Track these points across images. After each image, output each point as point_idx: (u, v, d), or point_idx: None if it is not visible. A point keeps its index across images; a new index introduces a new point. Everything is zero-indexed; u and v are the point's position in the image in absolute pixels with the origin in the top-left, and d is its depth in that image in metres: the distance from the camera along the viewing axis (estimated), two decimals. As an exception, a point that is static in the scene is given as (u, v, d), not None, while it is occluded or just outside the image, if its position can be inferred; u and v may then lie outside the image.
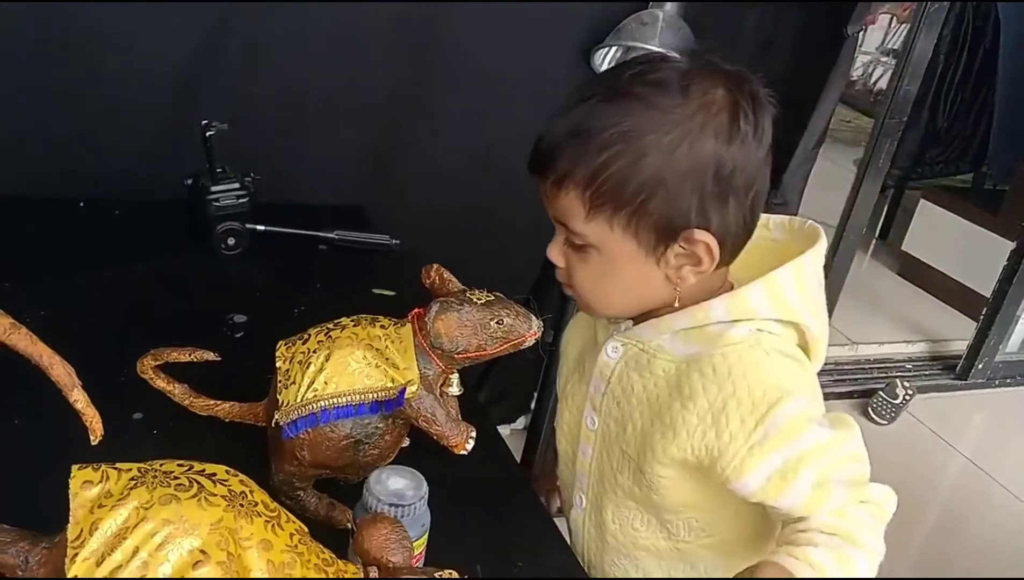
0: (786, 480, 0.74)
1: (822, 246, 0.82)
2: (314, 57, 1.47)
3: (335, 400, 0.78)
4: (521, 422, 2.11)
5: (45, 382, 0.69)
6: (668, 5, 1.60)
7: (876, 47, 5.15)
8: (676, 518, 0.86)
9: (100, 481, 0.55)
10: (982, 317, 2.87)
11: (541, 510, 0.97)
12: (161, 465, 0.58)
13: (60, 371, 0.62)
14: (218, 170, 1.31)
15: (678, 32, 1.58)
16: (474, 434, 0.83)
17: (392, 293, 1.29)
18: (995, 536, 2.31)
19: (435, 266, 0.86)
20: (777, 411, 0.74)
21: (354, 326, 0.82)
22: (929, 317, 3.30)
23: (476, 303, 0.81)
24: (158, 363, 0.90)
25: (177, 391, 0.91)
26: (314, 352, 0.80)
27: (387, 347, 0.80)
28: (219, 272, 1.31)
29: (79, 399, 0.63)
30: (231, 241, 1.32)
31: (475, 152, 1.70)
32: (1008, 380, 2.98)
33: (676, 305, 0.80)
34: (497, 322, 0.81)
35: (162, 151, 1.41)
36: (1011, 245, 2.81)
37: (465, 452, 0.82)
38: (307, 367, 0.79)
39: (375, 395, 0.79)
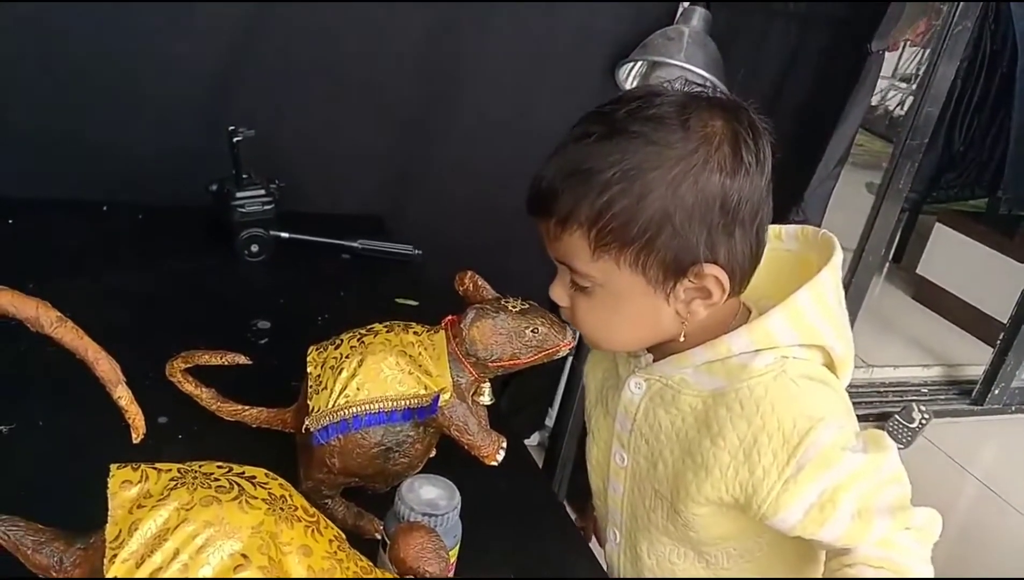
0: (824, 512, 0.73)
1: (838, 258, 0.80)
2: (341, 67, 1.47)
3: (367, 406, 0.77)
4: (535, 438, 2.09)
5: (76, 380, 0.68)
6: (694, 21, 1.59)
7: (891, 72, 5.16)
8: (714, 549, 0.84)
9: (139, 481, 0.54)
10: (999, 342, 2.84)
11: (569, 523, 0.96)
12: (201, 466, 0.56)
13: (106, 367, 0.61)
14: (243, 176, 1.31)
15: (704, 48, 1.58)
16: (505, 444, 0.82)
17: (415, 302, 1.28)
18: (1010, 561, 2.28)
19: (469, 273, 0.85)
20: (809, 442, 0.72)
21: (387, 332, 0.81)
22: (944, 341, 3.28)
23: (511, 311, 0.80)
24: (188, 366, 0.89)
25: (205, 395, 0.90)
26: (346, 357, 0.79)
27: (420, 354, 0.79)
28: (243, 279, 1.31)
29: (123, 396, 0.62)
30: (255, 248, 1.31)
31: (498, 165, 1.69)
32: (1024, 406, 2.96)
33: (682, 339, 0.79)
34: (532, 331, 0.80)
35: (187, 156, 1.41)
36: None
37: (496, 463, 0.81)
38: (339, 373, 0.78)
39: (407, 402, 0.78)
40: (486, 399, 0.84)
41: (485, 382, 0.83)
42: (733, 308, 0.81)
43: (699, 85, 0.76)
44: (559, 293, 0.80)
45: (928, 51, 4.10)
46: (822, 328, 0.78)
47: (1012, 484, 2.58)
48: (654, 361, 0.83)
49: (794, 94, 1.70)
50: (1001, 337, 2.84)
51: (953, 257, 3.40)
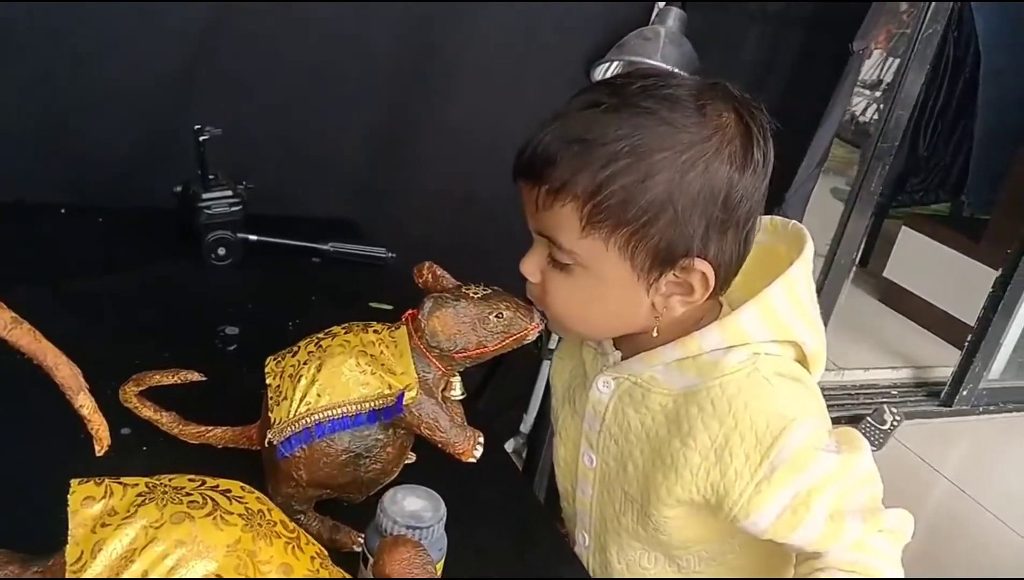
0: (797, 516, 0.71)
1: (810, 250, 0.78)
2: (311, 65, 1.44)
3: (329, 412, 0.73)
4: (510, 444, 2.06)
5: (33, 387, 0.64)
6: (670, 21, 1.58)
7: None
8: (685, 553, 0.82)
9: (103, 497, 0.50)
10: (967, 344, 2.88)
11: (555, 530, 0.92)
12: (171, 480, 0.52)
13: (66, 372, 0.56)
14: (210, 177, 1.26)
15: (680, 48, 1.57)
16: (482, 440, 0.76)
17: (390, 307, 1.24)
18: (980, 559, 2.30)
19: (427, 264, 0.80)
20: (782, 443, 0.70)
21: (345, 333, 0.76)
22: (912, 343, 3.31)
23: (472, 298, 0.75)
24: (141, 389, 0.84)
25: (165, 420, 0.84)
26: (305, 364, 0.74)
27: (382, 352, 0.75)
28: (209, 283, 1.26)
29: (85, 404, 0.57)
30: (222, 251, 1.27)
31: (473, 167, 1.66)
32: (991, 407, 2.99)
33: (655, 334, 0.76)
34: (496, 316, 0.75)
35: (151, 156, 1.36)
36: (994, 273, 2.83)
37: (473, 460, 0.76)
38: (298, 381, 0.74)
39: (372, 404, 0.73)
40: (457, 393, 0.80)
41: (454, 375, 0.78)
42: (706, 305, 0.78)
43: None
44: (531, 268, 0.77)
45: (892, 57, 4.16)
46: (794, 324, 0.76)
47: (981, 484, 2.60)
48: (623, 358, 0.80)
49: (771, 95, 1.69)
50: (968, 339, 2.87)
51: (920, 260, 3.44)
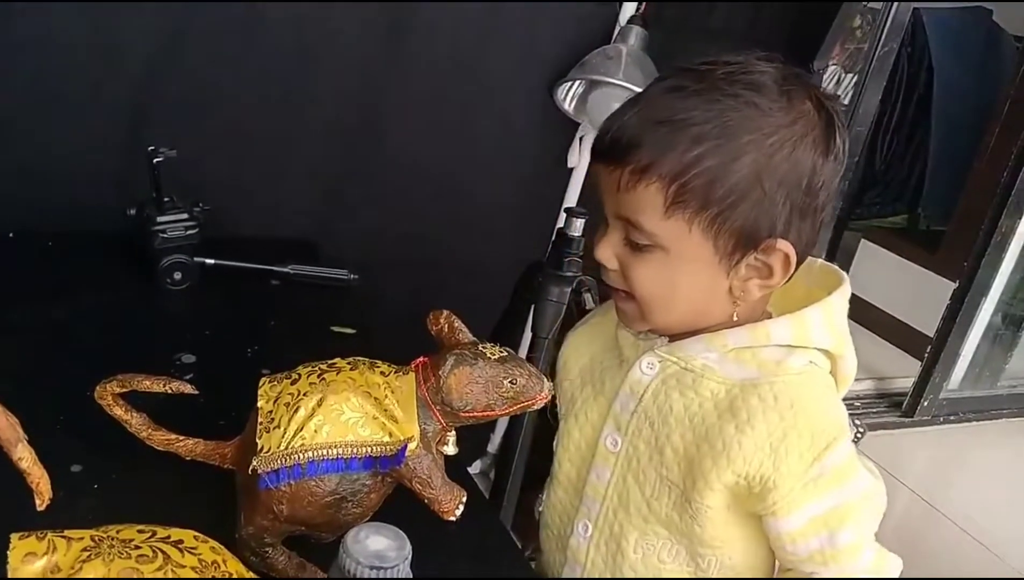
0: (828, 526, 0.73)
1: (847, 288, 0.79)
2: (269, 85, 1.41)
3: (325, 451, 0.70)
4: (477, 466, 2.03)
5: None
6: (632, 40, 1.58)
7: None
8: (710, 553, 0.81)
9: (46, 552, 0.47)
10: (926, 355, 2.91)
11: (522, 562, 0.91)
12: (119, 531, 0.49)
13: (2, 423, 0.53)
14: (165, 200, 1.23)
15: (642, 67, 1.56)
16: (465, 499, 0.76)
17: (352, 330, 1.22)
18: (942, 567, 2.33)
19: (445, 313, 0.79)
20: (832, 452, 0.72)
21: (351, 370, 0.74)
22: (873, 355, 3.35)
23: (490, 359, 0.74)
24: (123, 390, 0.80)
25: (135, 421, 0.81)
26: (304, 395, 0.72)
27: (386, 397, 0.73)
28: (165, 309, 1.23)
29: (24, 457, 0.54)
30: (178, 275, 1.23)
31: (435, 187, 1.64)
32: (952, 417, 3.03)
33: (735, 319, 0.77)
34: (511, 382, 0.73)
35: (102, 178, 1.32)
36: (951, 284, 2.87)
37: (453, 519, 0.75)
38: (295, 411, 0.71)
39: (369, 449, 0.71)
40: (450, 449, 0.78)
41: (451, 431, 0.77)
42: (765, 302, 0.80)
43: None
44: (607, 253, 0.77)
45: (848, 74, 4.24)
46: (846, 337, 0.78)
47: (942, 493, 2.64)
48: (670, 341, 0.81)
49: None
50: (928, 350, 2.91)
51: (879, 273, 3.49)
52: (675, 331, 0.81)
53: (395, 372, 0.75)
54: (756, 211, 0.70)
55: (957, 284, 2.82)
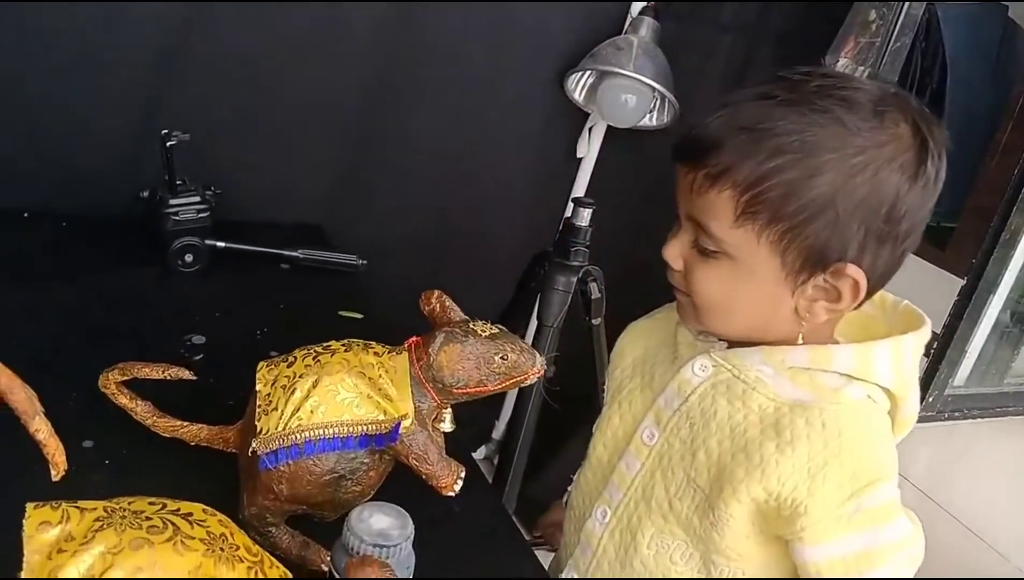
0: (859, 567, 0.71)
1: (926, 332, 0.76)
2: (282, 70, 1.41)
3: (321, 431, 0.72)
4: (482, 451, 2.05)
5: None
6: (643, 31, 1.58)
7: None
8: (725, 563, 0.79)
9: (60, 522, 0.48)
10: (933, 352, 2.90)
11: (524, 547, 0.92)
12: (130, 503, 0.51)
13: (20, 396, 0.55)
14: (177, 183, 1.24)
15: (653, 58, 1.57)
16: (463, 474, 0.77)
17: (360, 315, 1.23)
18: (946, 565, 2.32)
19: (436, 292, 0.80)
20: (873, 490, 0.70)
21: (345, 351, 0.76)
22: (879, 350, 3.35)
23: (481, 335, 0.75)
24: (125, 378, 0.82)
25: (140, 409, 0.83)
26: (300, 376, 0.73)
27: (380, 376, 0.74)
28: (176, 291, 1.24)
29: (40, 429, 0.56)
30: (189, 258, 1.25)
31: (445, 175, 1.65)
32: (956, 413, 3.02)
33: (800, 341, 0.74)
34: (501, 357, 0.75)
35: (117, 161, 1.33)
36: (959, 281, 2.86)
37: (453, 494, 0.76)
38: (292, 393, 0.73)
39: (365, 428, 0.73)
40: (447, 426, 0.79)
41: (446, 408, 0.78)
42: (832, 327, 0.78)
43: (893, 85, 0.73)
44: (674, 253, 0.76)
45: (860, 68, 4.22)
46: (910, 383, 0.75)
47: (946, 490, 2.63)
48: (728, 347, 0.80)
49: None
50: (934, 347, 2.90)
51: (887, 268, 3.48)
52: (733, 339, 0.80)
53: (389, 352, 0.77)
54: (828, 232, 0.68)
55: (965, 281, 2.81)
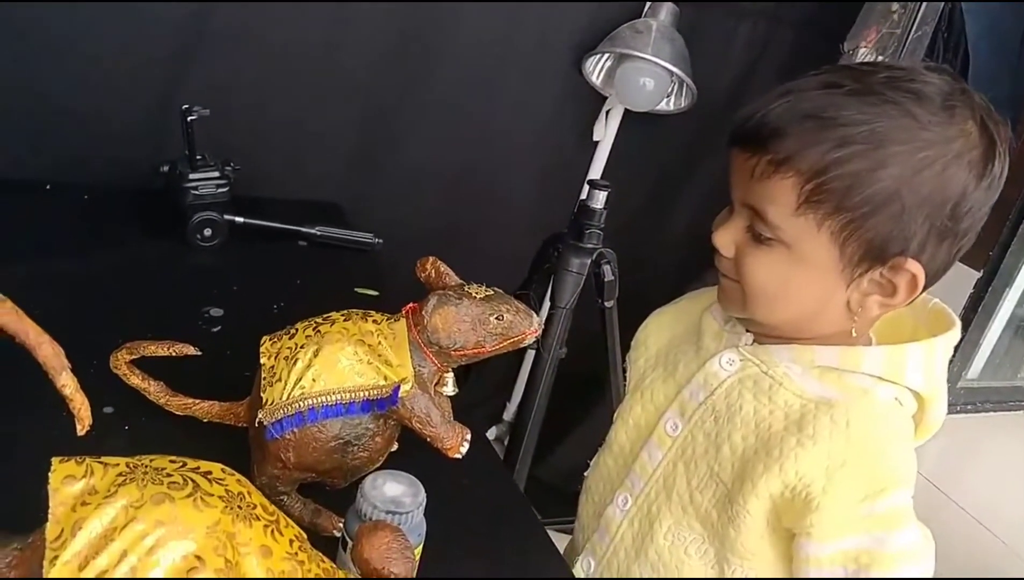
0: (858, 564, 0.71)
1: (956, 335, 0.75)
2: (302, 47, 1.42)
3: (324, 398, 0.74)
4: (492, 432, 2.06)
5: (11, 366, 0.63)
6: (662, 15, 1.58)
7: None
8: (738, 561, 0.79)
9: (84, 476, 0.50)
10: (946, 344, 2.90)
11: (534, 519, 0.93)
12: (152, 460, 0.52)
13: (48, 351, 0.56)
14: (197, 157, 1.25)
15: (672, 42, 1.57)
16: (469, 437, 0.78)
17: (376, 293, 1.24)
18: (956, 558, 2.32)
19: (431, 259, 0.81)
20: (889, 494, 0.70)
21: (344, 321, 0.77)
22: (893, 342, 3.34)
23: (475, 297, 0.76)
24: (133, 358, 0.84)
25: (152, 389, 0.85)
26: (301, 347, 0.75)
27: (379, 343, 0.75)
28: (194, 264, 1.26)
29: (67, 384, 0.57)
30: (208, 232, 1.26)
31: (462, 156, 1.66)
32: (969, 406, 3.01)
33: (854, 335, 0.74)
34: (497, 318, 0.76)
35: (138, 135, 1.35)
36: (975, 273, 2.84)
37: (459, 456, 0.77)
38: (294, 363, 0.74)
39: (366, 393, 0.74)
40: (449, 390, 0.80)
41: (448, 372, 0.79)
42: (872, 324, 0.77)
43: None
44: (726, 240, 0.75)
45: (880, 56, 4.17)
46: (940, 386, 0.75)
47: (958, 483, 2.63)
48: (755, 341, 0.79)
49: (761, 93, 1.70)
50: (948, 339, 2.89)
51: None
52: (778, 330, 0.78)
53: (387, 320, 0.78)
54: (891, 225, 0.67)
55: (981, 274, 2.80)
